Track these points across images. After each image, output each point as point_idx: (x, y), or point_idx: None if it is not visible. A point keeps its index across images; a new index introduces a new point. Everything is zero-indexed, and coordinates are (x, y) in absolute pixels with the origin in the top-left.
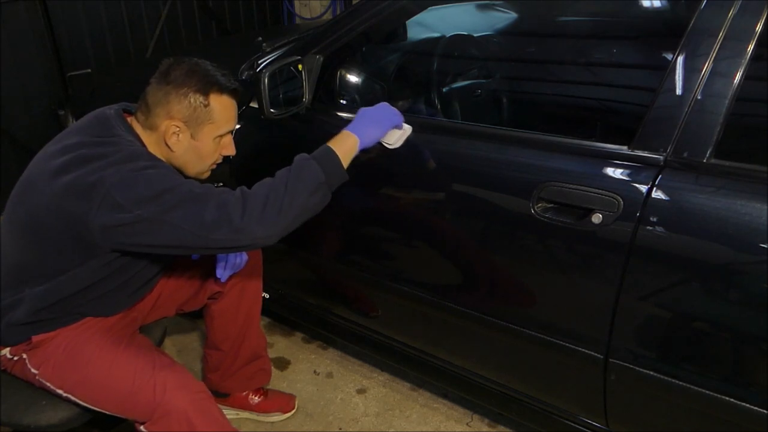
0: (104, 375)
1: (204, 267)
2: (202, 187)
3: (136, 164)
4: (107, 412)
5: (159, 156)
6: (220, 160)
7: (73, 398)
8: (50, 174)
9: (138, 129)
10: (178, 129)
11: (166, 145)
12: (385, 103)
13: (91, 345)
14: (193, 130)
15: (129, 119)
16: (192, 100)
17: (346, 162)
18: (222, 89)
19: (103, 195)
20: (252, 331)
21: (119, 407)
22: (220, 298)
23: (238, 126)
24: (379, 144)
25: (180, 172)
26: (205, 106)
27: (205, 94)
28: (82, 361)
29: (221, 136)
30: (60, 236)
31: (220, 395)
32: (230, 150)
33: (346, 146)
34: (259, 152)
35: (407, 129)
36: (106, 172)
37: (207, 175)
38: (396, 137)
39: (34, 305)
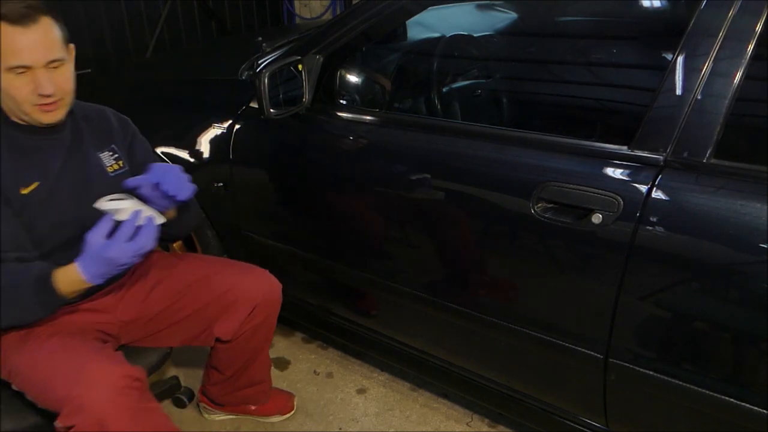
0: (32, 358)
1: (215, 307)
2: None
3: None
4: (39, 405)
5: None
6: (49, 100)
7: (14, 386)
8: None
9: None
10: None
11: None
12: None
13: (40, 335)
14: None
15: None
16: None
17: (68, 292)
18: None
19: None
20: (258, 361)
21: (39, 396)
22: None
23: (238, 126)
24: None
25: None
26: None
27: None
28: (24, 347)
29: (18, 70)
30: None
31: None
32: (46, 88)
33: (68, 282)
34: (259, 152)
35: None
36: None
37: (40, 117)
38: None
39: None
